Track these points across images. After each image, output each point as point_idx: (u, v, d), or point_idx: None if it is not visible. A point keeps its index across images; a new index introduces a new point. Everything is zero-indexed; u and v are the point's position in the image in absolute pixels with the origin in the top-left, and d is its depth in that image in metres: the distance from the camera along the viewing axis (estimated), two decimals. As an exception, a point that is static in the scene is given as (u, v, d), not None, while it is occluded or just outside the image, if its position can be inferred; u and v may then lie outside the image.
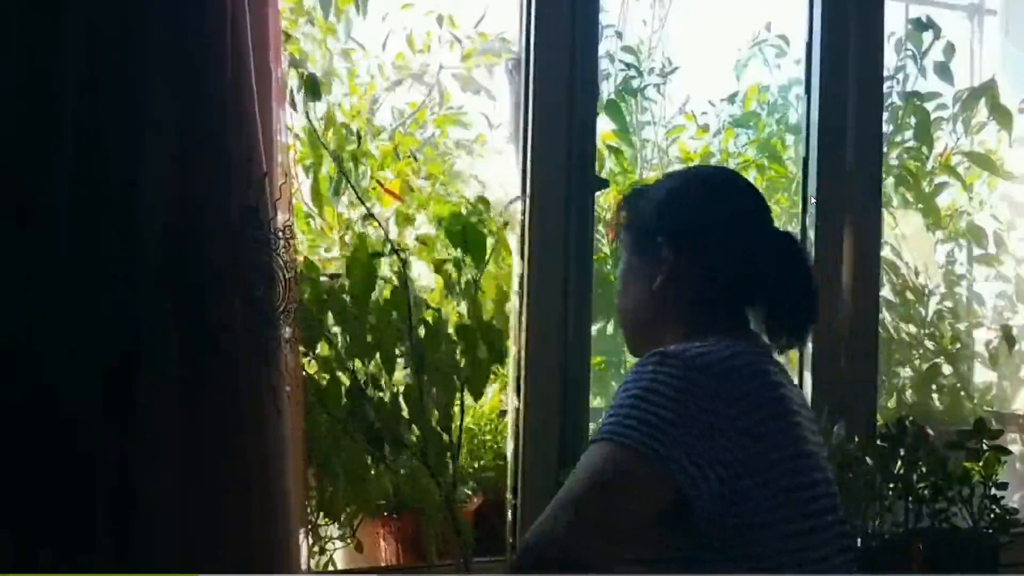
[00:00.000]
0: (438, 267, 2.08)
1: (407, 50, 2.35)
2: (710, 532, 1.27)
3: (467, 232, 2.06)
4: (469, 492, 2.12)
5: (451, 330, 2.04)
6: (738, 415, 1.29)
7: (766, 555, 1.30)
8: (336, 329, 1.96)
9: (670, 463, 1.24)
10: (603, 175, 2.33)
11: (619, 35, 2.78)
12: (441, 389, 1.99)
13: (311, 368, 1.93)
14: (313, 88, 2.00)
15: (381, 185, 2.19)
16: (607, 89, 2.74)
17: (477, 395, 2.05)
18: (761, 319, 1.48)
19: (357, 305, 1.95)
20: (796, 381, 2.50)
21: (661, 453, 1.24)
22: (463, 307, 2.07)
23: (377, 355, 1.98)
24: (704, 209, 1.50)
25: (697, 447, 1.25)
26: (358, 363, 1.97)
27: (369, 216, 2.07)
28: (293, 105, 1.96)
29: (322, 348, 1.96)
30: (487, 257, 2.08)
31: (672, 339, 1.41)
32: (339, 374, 1.95)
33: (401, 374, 2.02)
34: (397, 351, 1.98)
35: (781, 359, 1.52)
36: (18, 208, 1.51)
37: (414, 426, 1.98)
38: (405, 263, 1.98)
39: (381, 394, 1.98)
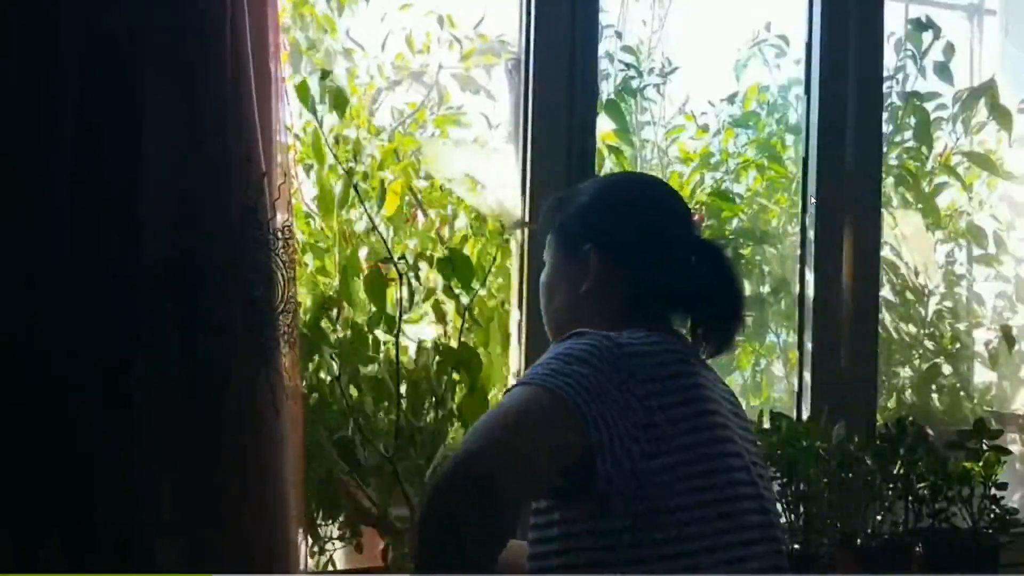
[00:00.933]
0: (428, 296, 2.10)
1: (406, 50, 2.35)
2: (617, 509, 1.29)
3: (455, 259, 2.05)
4: None
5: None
6: (649, 395, 1.32)
7: (680, 540, 1.31)
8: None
9: (587, 418, 1.27)
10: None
11: (619, 35, 2.78)
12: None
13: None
14: (339, 102, 2.04)
15: (414, 195, 2.22)
16: (607, 89, 2.73)
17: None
18: (687, 325, 1.52)
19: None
20: (796, 381, 2.51)
21: (580, 406, 1.27)
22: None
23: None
24: (630, 217, 1.53)
25: (609, 418, 1.28)
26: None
27: (374, 229, 2.08)
28: (314, 112, 1.98)
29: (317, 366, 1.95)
30: (480, 282, 2.09)
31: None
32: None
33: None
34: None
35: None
36: (18, 208, 1.51)
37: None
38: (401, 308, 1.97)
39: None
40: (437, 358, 1.98)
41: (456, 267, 2.03)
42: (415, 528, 1.27)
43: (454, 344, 2.01)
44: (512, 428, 1.26)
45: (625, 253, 1.50)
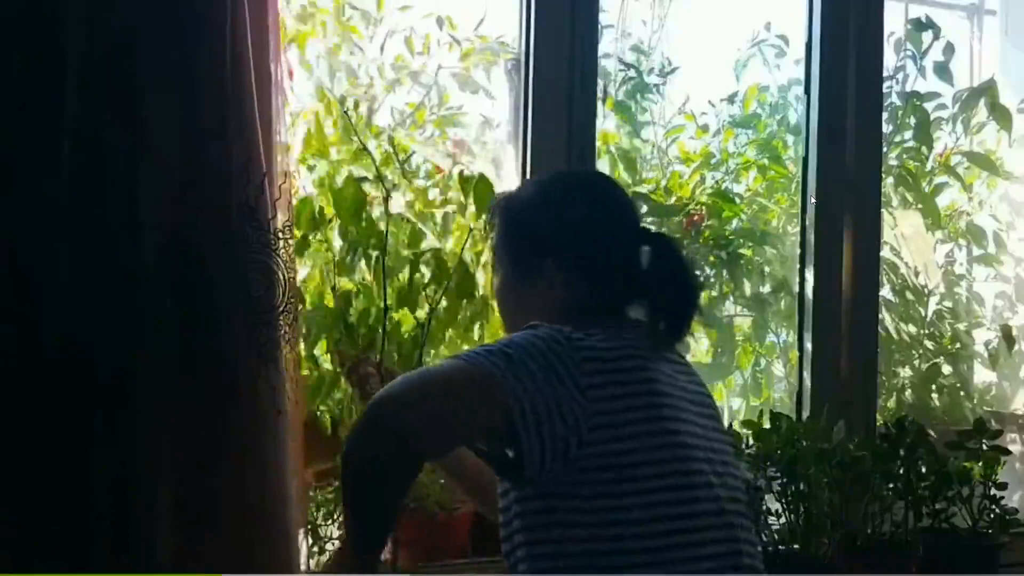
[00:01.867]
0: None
1: (406, 51, 2.35)
2: (553, 493, 1.34)
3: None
4: None
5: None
6: (592, 387, 1.35)
7: (625, 537, 1.33)
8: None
9: (511, 400, 1.30)
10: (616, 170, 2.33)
11: (627, 35, 2.79)
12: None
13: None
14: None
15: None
16: (612, 90, 2.73)
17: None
18: (644, 316, 1.53)
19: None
20: (796, 381, 2.51)
21: (504, 387, 1.31)
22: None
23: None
24: (573, 221, 1.53)
25: (541, 404, 1.31)
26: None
27: (364, 150, 2.09)
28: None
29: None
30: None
31: None
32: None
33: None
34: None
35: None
36: (18, 208, 1.51)
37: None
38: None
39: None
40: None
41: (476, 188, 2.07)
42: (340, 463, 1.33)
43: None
44: (427, 392, 1.31)
45: (573, 259, 1.51)
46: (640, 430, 1.36)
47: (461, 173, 2.12)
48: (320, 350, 2.06)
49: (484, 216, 1.69)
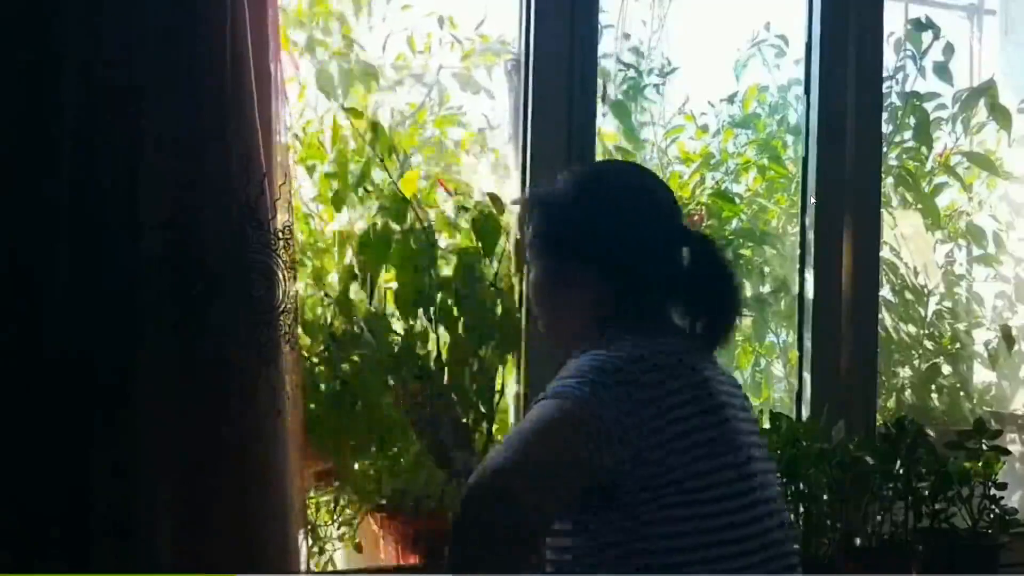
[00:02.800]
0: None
1: (407, 51, 2.35)
2: (636, 516, 1.29)
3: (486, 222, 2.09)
4: None
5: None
6: (664, 402, 1.31)
7: (704, 546, 1.31)
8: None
9: (612, 432, 1.26)
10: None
11: (626, 36, 2.79)
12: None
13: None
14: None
15: (440, 182, 2.22)
16: (610, 90, 2.73)
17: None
18: (684, 321, 1.49)
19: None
20: (796, 381, 2.51)
21: (606, 420, 1.27)
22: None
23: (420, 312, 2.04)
24: (614, 221, 1.47)
25: (632, 431, 1.28)
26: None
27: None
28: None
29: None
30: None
31: (595, 343, 1.41)
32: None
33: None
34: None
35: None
36: (17, 208, 1.51)
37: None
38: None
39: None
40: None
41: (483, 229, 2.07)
42: (452, 533, 1.25)
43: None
44: (541, 443, 1.25)
45: (609, 261, 1.46)
46: (708, 436, 1.34)
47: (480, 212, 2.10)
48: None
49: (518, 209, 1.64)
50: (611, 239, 1.46)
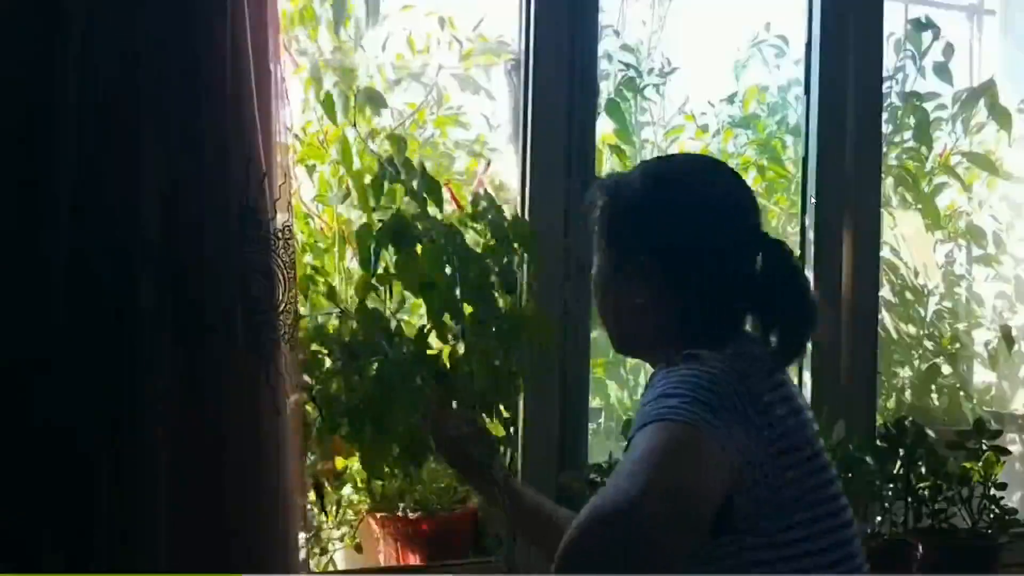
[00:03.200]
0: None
1: (407, 51, 2.35)
2: (750, 538, 1.22)
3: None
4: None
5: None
6: (766, 414, 1.24)
7: (808, 554, 1.26)
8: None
9: (731, 454, 1.16)
10: (602, 175, 2.33)
11: (617, 33, 2.79)
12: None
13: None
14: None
15: (450, 191, 2.15)
16: (607, 89, 2.74)
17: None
18: (758, 331, 1.38)
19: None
20: (796, 381, 2.51)
21: (724, 442, 1.16)
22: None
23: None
24: (688, 217, 1.37)
25: (745, 449, 1.19)
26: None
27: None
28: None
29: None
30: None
31: (662, 349, 1.34)
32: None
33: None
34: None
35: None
36: (16, 207, 1.51)
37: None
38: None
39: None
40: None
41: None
42: (555, 566, 1.07)
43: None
44: (665, 474, 1.10)
45: (684, 260, 1.35)
46: (801, 440, 1.28)
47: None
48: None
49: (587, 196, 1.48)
50: (678, 235, 1.36)
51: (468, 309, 1.93)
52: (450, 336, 1.91)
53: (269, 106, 1.67)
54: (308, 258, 2.10)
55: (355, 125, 2.08)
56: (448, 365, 1.91)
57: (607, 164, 2.66)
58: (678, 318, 1.36)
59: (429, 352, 1.91)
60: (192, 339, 1.57)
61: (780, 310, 1.36)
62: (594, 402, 2.47)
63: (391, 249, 1.91)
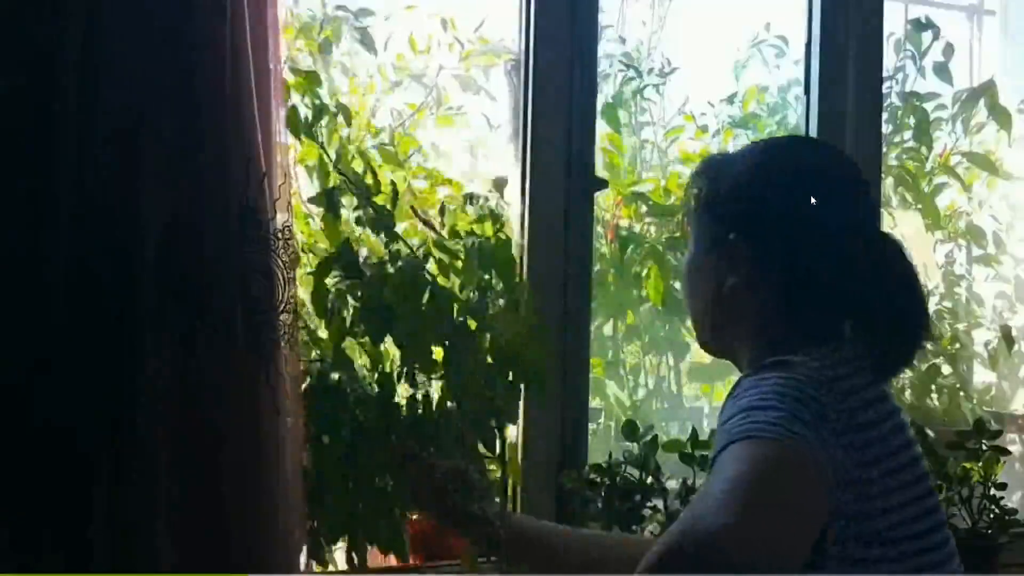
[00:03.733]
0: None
1: (408, 51, 2.36)
2: (842, 561, 1.11)
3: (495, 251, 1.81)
4: None
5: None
6: (863, 430, 1.14)
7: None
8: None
9: (827, 473, 1.06)
10: (602, 175, 2.33)
11: (623, 40, 2.79)
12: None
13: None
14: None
15: (415, 211, 1.99)
16: (606, 90, 2.74)
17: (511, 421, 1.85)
18: (857, 339, 1.25)
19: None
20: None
21: (820, 459, 1.06)
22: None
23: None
24: (795, 205, 1.26)
25: (840, 467, 1.09)
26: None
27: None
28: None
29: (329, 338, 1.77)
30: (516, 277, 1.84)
31: (749, 346, 1.27)
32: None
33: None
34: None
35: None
36: (16, 208, 1.51)
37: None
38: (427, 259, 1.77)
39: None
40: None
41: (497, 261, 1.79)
42: None
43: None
44: (764, 494, 0.99)
45: (783, 250, 1.25)
46: (898, 452, 1.18)
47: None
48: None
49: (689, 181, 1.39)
50: (781, 227, 1.25)
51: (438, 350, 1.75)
52: (422, 380, 1.74)
53: (269, 106, 1.67)
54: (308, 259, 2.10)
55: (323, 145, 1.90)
56: (420, 410, 1.74)
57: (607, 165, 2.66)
58: (767, 311, 1.27)
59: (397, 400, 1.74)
60: (192, 339, 1.57)
61: (888, 315, 1.23)
62: (594, 402, 2.47)
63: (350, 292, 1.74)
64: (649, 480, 2.02)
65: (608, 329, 2.74)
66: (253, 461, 1.61)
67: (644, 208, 2.71)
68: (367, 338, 1.73)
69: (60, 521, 1.51)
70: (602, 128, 2.67)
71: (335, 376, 1.74)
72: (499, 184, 1.91)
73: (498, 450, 1.80)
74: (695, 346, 2.79)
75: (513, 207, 2.18)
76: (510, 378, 1.76)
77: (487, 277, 1.78)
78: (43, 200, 1.51)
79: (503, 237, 1.82)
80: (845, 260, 1.24)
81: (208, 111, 1.59)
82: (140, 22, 1.56)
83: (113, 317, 1.53)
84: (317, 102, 1.84)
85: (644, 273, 2.68)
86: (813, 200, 1.26)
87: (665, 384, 2.87)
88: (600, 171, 2.54)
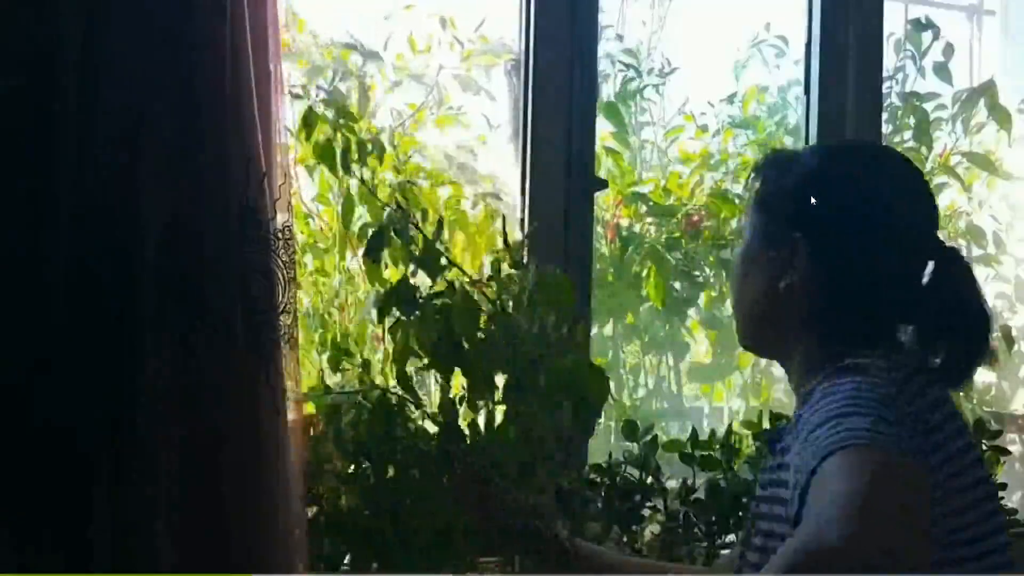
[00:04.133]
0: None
1: (408, 51, 2.35)
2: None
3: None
4: None
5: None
6: (940, 436, 1.16)
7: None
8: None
9: (917, 459, 1.07)
10: (602, 175, 2.33)
11: (620, 38, 2.79)
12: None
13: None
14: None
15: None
16: (606, 90, 2.74)
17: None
18: (920, 345, 1.25)
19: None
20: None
21: (924, 468, 1.07)
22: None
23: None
24: (861, 209, 1.26)
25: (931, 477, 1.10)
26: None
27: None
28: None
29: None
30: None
31: (801, 346, 1.27)
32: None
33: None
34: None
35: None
36: (15, 207, 1.51)
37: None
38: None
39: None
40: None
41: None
42: None
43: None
44: (882, 505, 0.97)
45: (842, 254, 1.25)
46: (968, 458, 1.18)
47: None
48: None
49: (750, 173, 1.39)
50: (844, 229, 1.25)
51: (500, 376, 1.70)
52: (484, 405, 1.69)
53: (269, 106, 1.67)
54: (308, 259, 2.10)
55: (362, 179, 1.93)
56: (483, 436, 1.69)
57: (606, 165, 2.66)
58: (824, 312, 1.26)
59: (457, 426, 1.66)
60: (192, 339, 1.57)
61: (950, 324, 1.23)
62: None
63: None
64: (649, 480, 2.02)
65: (608, 329, 2.74)
66: (253, 461, 1.61)
67: (644, 208, 2.71)
68: (433, 368, 1.71)
69: (60, 521, 1.51)
70: (605, 127, 2.68)
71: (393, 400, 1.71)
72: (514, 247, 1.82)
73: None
74: (695, 346, 2.83)
75: (513, 207, 2.18)
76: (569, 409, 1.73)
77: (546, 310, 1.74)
78: (43, 200, 1.51)
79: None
80: (905, 267, 1.25)
81: (208, 111, 1.59)
82: (140, 22, 1.56)
83: (113, 317, 1.53)
84: (355, 139, 1.87)
85: (644, 273, 2.68)
86: (880, 205, 1.26)
87: (665, 384, 2.87)
88: (604, 170, 2.55)
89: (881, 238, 1.25)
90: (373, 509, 1.65)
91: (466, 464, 1.61)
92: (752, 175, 1.38)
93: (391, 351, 1.71)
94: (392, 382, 1.72)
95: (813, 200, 1.27)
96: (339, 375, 1.79)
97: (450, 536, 1.61)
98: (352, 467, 1.69)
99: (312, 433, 1.72)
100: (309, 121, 1.97)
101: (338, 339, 1.88)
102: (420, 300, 1.70)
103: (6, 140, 1.51)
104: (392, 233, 1.73)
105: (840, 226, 1.26)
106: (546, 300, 1.71)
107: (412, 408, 1.70)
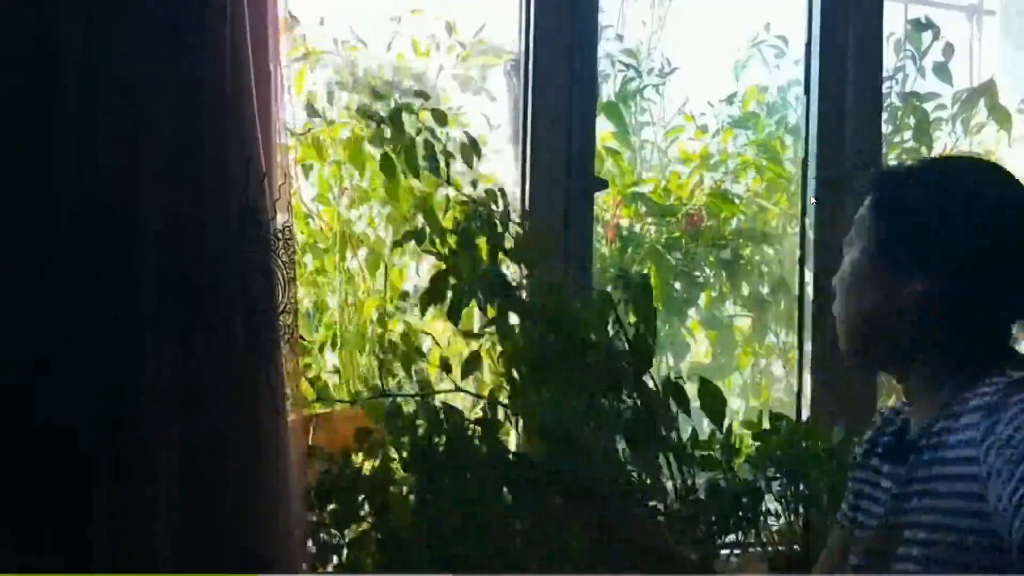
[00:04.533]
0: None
1: (410, 53, 2.36)
2: None
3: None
4: None
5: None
6: None
7: None
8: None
9: None
10: (602, 175, 2.33)
11: (620, 38, 2.79)
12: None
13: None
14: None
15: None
16: (606, 90, 2.74)
17: None
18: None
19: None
20: (796, 381, 2.51)
21: None
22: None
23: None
24: (975, 221, 1.28)
25: None
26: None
27: None
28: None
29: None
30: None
31: (911, 359, 1.31)
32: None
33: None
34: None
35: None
36: (15, 207, 1.51)
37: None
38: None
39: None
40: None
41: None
42: None
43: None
44: None
45: (959, 261, 1.27)
46: None
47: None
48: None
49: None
50: (977, 240, 1.28)
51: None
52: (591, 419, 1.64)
53: (269, 106, 1.67)
54: (308, 259, 2.10)
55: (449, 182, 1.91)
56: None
57: (605, 165, 2.66)
58: (938, 326, 1.29)
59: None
60: (192, 339, 1.57)
61: None
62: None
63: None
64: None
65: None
66: (253, 461, 1.61)
67: (644, 208, 2.71)
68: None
69: (60, 521, 1.51)
70: (605, 128, 2.68)
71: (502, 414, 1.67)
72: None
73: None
74: (695, 346, 2.82)
75: (513, 207, 2.18)
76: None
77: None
78: (43, 200, 1.51)
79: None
80: (1019, 278, 1.28)
81: (208, 111, 1.59)
82: (140, 22, 1.56)
83: (113, 317, 1.53)
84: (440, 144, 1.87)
85: (644, 273, 2.68)
86: (990, 220, 1.29)
87: (665, 384, 2.87)
88: (604, 170, 2.55)
89: (1006, 249, 1.28)
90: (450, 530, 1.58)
91: (580, 483, 1.59)
92: (870, 188, 1.41)
93: (495, 357, 1.65)
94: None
95: (927, 214, 1.30)
96: (392, 379, 1.75)
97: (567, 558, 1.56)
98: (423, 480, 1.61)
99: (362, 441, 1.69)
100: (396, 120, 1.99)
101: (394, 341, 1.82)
102: (524, 301, 1.65)
103: (6, 140, 1.51)
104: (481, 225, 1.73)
105: (952, 238, 1.28)
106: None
107: (506, 422, 1.64)
